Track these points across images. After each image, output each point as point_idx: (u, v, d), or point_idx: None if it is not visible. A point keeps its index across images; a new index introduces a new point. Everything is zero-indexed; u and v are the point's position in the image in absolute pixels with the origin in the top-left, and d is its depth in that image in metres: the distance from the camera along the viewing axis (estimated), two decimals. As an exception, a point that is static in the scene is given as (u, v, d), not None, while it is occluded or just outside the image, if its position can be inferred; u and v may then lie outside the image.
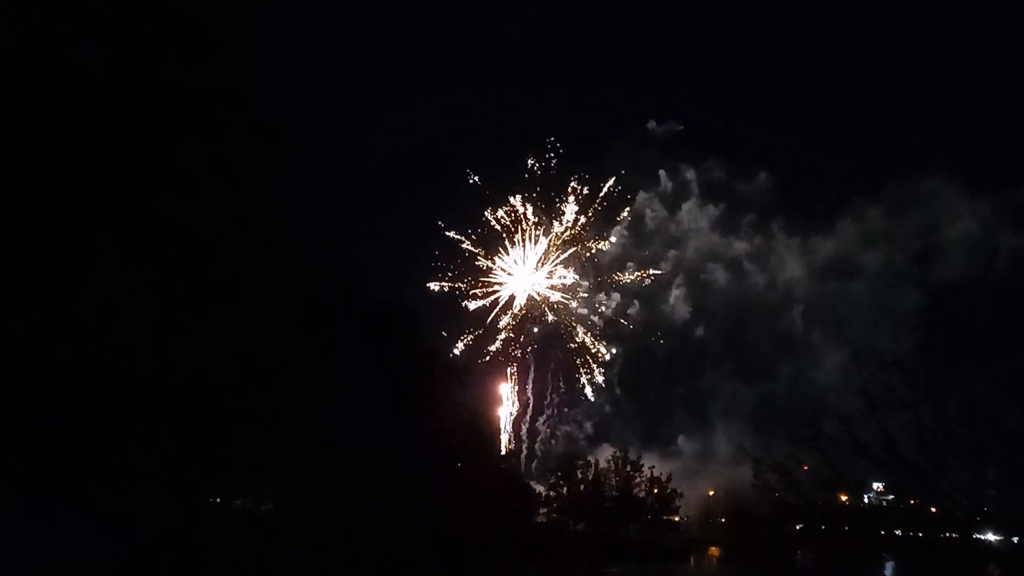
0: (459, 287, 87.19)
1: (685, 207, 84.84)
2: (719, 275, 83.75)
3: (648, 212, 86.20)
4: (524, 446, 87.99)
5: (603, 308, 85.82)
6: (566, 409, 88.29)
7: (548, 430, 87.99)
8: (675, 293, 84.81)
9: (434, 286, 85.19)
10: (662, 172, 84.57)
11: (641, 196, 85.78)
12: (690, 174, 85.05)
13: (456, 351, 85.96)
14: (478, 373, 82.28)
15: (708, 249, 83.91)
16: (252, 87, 24.84)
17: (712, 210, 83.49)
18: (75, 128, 19.29)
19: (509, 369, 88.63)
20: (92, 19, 19.70)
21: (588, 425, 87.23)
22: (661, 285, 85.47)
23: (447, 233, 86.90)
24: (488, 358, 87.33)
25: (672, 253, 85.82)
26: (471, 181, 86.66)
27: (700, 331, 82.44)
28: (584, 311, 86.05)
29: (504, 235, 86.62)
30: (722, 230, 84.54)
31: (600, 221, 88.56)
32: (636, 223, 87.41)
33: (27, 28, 18.56)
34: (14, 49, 18.13)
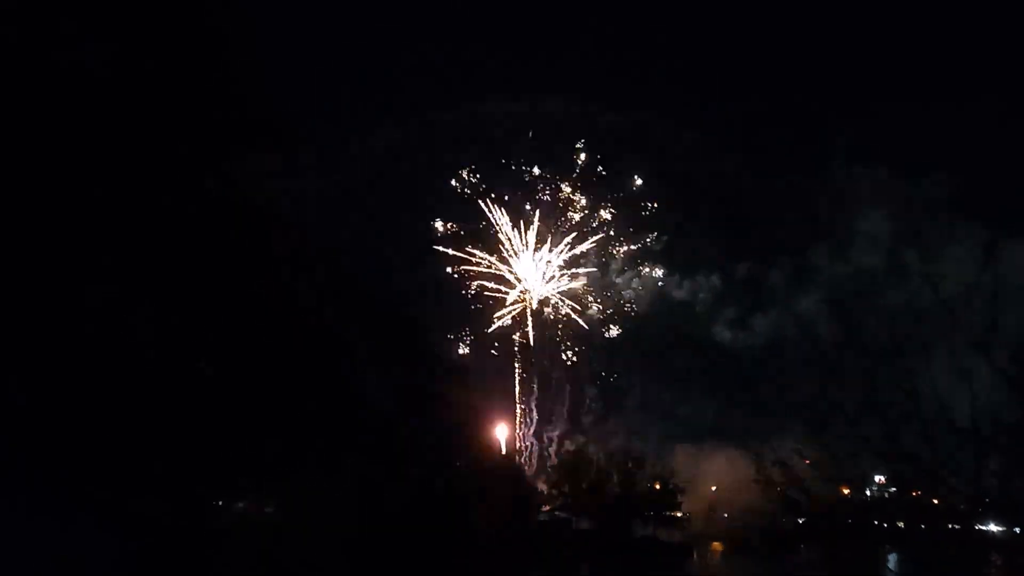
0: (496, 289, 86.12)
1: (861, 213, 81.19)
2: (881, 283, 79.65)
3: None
4: (528, 444, 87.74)
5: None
6: (574, 415, 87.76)
7: (552, 427, 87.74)
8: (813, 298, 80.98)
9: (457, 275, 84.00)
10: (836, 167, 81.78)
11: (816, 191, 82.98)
12: (867, 175, 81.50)
13: (461, 349, 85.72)
14: (484, 371, 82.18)
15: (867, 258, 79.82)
16: (250, 88, 24.85)
17: (879, 215, 79.74)
18: (75, 128, 19.30)
19: (516, 366, 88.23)
20: (93, 20, 19.72)
21: (591, 421, 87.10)
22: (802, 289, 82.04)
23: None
24: (499, 353, 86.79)
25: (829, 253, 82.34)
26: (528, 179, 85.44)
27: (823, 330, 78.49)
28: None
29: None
30: (890, 236, 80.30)
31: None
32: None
33: (28, 30, 18.58)
34: (16, 50, 18.15)
